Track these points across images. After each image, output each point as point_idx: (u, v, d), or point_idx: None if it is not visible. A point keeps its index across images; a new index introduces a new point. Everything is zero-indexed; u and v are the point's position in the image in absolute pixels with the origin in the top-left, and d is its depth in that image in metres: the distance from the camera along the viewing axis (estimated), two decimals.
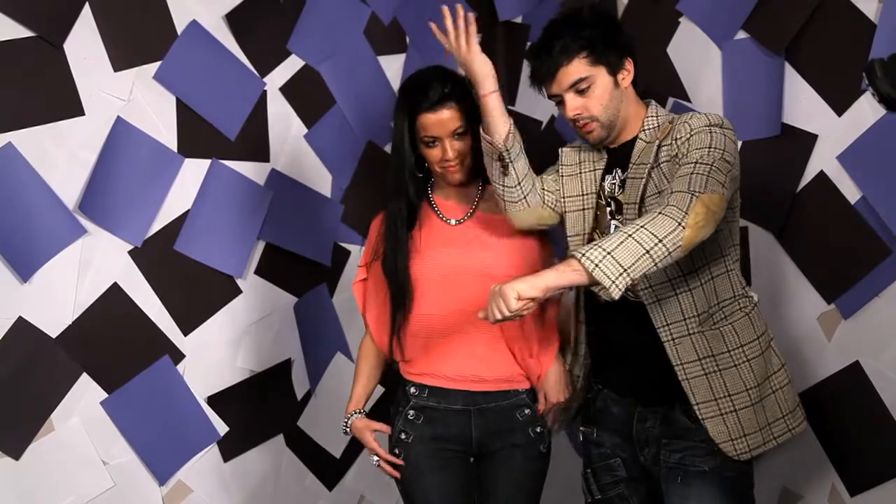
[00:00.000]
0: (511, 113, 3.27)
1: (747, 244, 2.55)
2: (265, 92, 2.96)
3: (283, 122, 3.01)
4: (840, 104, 2.36)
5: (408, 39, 3.24)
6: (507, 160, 2.16)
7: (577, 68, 2.10)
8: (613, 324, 2.18)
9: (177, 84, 2.77)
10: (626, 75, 2.15)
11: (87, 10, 2.61)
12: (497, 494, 2.37)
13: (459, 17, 2.14)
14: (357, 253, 3.13)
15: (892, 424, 2.28)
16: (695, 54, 2.70)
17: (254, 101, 2.93)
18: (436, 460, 2.34)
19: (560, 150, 2.31)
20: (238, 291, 2.92)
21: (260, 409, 2.97)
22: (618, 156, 2.20)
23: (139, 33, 2.71)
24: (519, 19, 3.25)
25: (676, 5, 2.73)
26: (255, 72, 2.93)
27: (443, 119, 2.26)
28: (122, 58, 2.68)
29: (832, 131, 2.38)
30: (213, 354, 2.88)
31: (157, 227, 2.75)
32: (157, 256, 2.75)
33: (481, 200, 2.39)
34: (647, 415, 2.15)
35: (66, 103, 2.59)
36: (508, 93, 3.30)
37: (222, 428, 2.87)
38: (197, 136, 2.82)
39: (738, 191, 2.14)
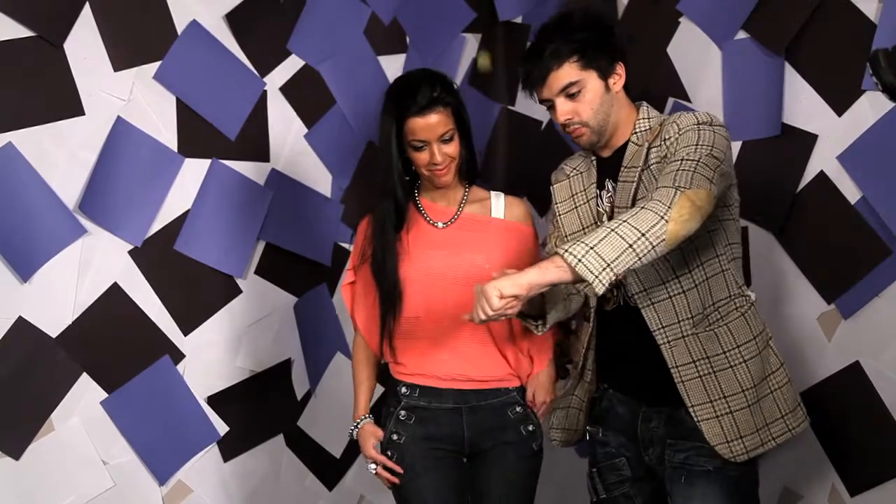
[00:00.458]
0: (511, 113, 3.30)
1: (747, 244, 2.55)
2: (265, 92, 2.96)
3: (283, 122, 3.01)
4: (840, 104, 2.36)
5: (408, 39, 3.24)
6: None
7: (568, 72, 2.09)
8: (615, 326, 2.18)
9: (177, 84, 2.77)
10: (618, 80, 2.14)
11: (87, 10, 2.61)
12: (490, 494, 2.37)
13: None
14: None
15: (892, 424, 2.28)
16: (695, 54, 2.70)
17: (254, 101, 2.93)
18: (429, 460, 2.33)
19: (551, 187, 2.31)
20: (238, 291, 2.92)
21: (260, 409, 2.97)
22: (609, 165, 2.19)
23: (139, 33, 2.70)
24: (519, 19, 3.26)
25: (676, 5, 2.73)
26: (255, 72, 2.93)
27: (431, 123, 2.26)
28: (122, 58, 2.68)
29: (832, 131, 2.38)
30: (213, 354, 2.87)
31: (157, 227, 2.75)
32: (157, 256, 2.74)
33: (467, 203, 2.40)
34: (652, 415, 2.15)
35: (66, 103, 2.59)
36: (508, 93, 3.31)
37: (222, 428, 2.87)
38: (197, 136, 2.81)
39: (733, 188, 2.13)
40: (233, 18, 2.88)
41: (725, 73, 2.63)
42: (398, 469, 2.33)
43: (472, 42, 3.34)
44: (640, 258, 1.87)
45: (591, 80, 2.11)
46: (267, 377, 2.98)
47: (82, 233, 2.61)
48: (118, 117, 2.66)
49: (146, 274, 2.73)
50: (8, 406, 2.51)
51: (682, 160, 1.98)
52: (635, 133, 2.15)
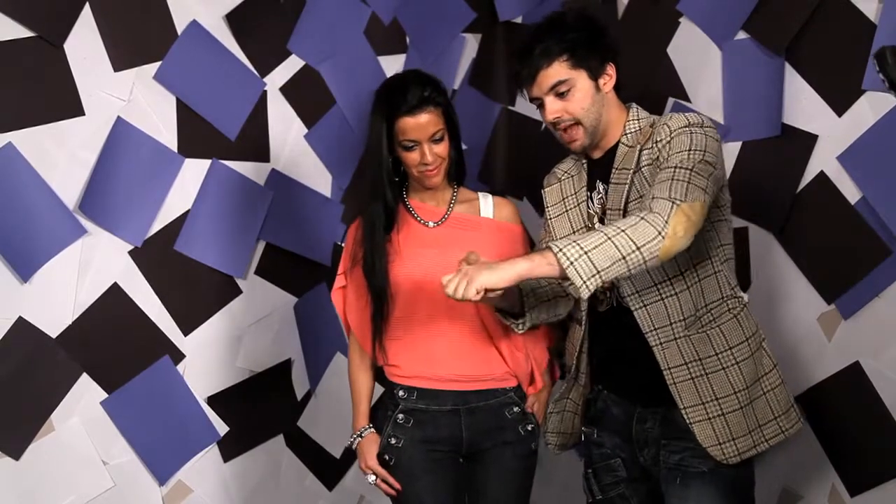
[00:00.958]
0: (511, 113, 3.30)
1: (747, 244, 2.55)
2: (265, 92, 2.96)
3: (283, 122, 3.01)
4: (840, 104, 2.36)
5: (408, 39, 3.24)
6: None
7: (557, 71, 2.09)
8: (608, 327, 2.18)
9: (177, 84, 2.77)
10: (608, 80, 2.14)
11: (87, 10, 2.61)
12: (487, 494, 2.37)
13: None
14: None
15: (892, 424, 2.28)
16: (695, 54, 2.70)
17: (254, 101, 2.93)
18: (427, 462, 2.33)
19: (542, 191, 2.31)
20: (238, 291, 2.92)
21: (260, 409, 2.97)
22: (599, 166, 2.19)
23: (139, 33, 2.71)
24: (519, 19, 3.26)
25: (676, 5, 2.73)
26: (255, 72, 2.93)
27: (422, 123, 2.26)
28: (123, 58, 2.68)
29: (832, 131, 2.38)
30: (213, 354, 2.88)
31: (157, 227, 2.75)
32: (157, 256, 2.75)
33: (456, 202, 2.40)
34: (647, 416, 2.15)
35: (66, 103, 2.59)
36: (508, 93, 3.31)
37: (222, 428, 2.87)
38: (197, 136, 2.81)
39: (724, 189, 2.13)
40: (233, 18, 2.88)
41: (725, 73, 2.62)
42: (397, 485, 2.32)
43: (472, 42, 3.34)
44: (629, 270, 1.89)
45: (581, 80, 2.11)
46: (267, 377, 2.98)
47: (82, 233, 2.62)
48: (118, 117, 2.67)
49: (146, 274, 2.73)
50: (8, 406, 2.51)
51: (675, 168, 1.98)
52: (625, 134, 2.15)
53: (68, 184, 2.60)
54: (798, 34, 2.44)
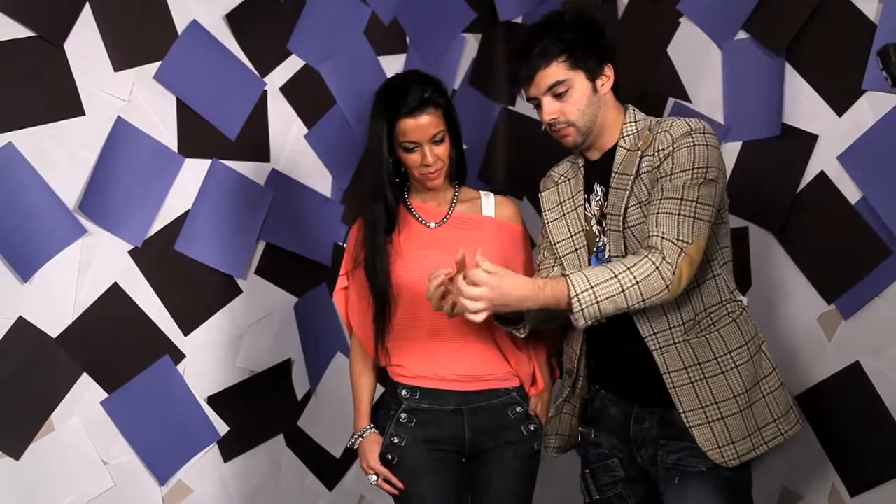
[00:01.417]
0: (511, 113, 3.30)
1: (747, 244, 2.55)
2: (265, 92, 2.96)
3: (283, 122, 3.01)
4: (840, 104, 2.36)
5: (408, 39, 3.24)
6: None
7: (555, 71, 2.09)
8: (608, 331, 2.17)
9: (177, 84, 2.77)
10: (606, 81, 2.14)
11: (87, 10, 2.61)
12: (490, 494, 2.37)
13: None
14: None
15: (892, 424, 2.28)
16: (695, 54, 2.70)
17: (254, 101, 2.93)
18: (429, 462, 2.33)
19: (539, 195, 2.32)
20: (238, 291, 2.92)
21: (260, 409, 2.97)
22: (597, 168, 2.19)
23: (139, 33, 2.70)
24: (519, 19, 3.26)
25: (676, 5, 2.73)
26: (255, 72, 2.93)
27: (422, 124, 2.26)
28: (123, 58, 2.68)
29: (832, 131, 2.38)
30: (213, 354, 2.88)
31: (157, 227, 2.75)
32: (157, 256, 2.75)
33: (458, 202, 2.40)
34: (645, 416, 2.15)
35: (66, 103, 2.59)
36: (508, 93, 3.31)
37: (222, 428, 2.87)
38: (197, 136, 2.81)
39: (724, 191, 2.13)
40: (233, 18, 2.88)
41: (725, 73, 2.62)
42: (399, 484, 2.33)
43: (472, 42, 3.34)
44: (626, 311, 1.99)
45: (579, 81, 2.11)
46: (267, 377, 2.98)
47: (82, 233, 2.61)
48: (118, 117, 2.66)
49: (146, 274, 2.73)
50: (8, 406, 2.51)
51: (681, 200, 2.00)
52: (623, 137, 2.15)
53: (68, 184, 2.59)
54: (798, 34, 2.44)
